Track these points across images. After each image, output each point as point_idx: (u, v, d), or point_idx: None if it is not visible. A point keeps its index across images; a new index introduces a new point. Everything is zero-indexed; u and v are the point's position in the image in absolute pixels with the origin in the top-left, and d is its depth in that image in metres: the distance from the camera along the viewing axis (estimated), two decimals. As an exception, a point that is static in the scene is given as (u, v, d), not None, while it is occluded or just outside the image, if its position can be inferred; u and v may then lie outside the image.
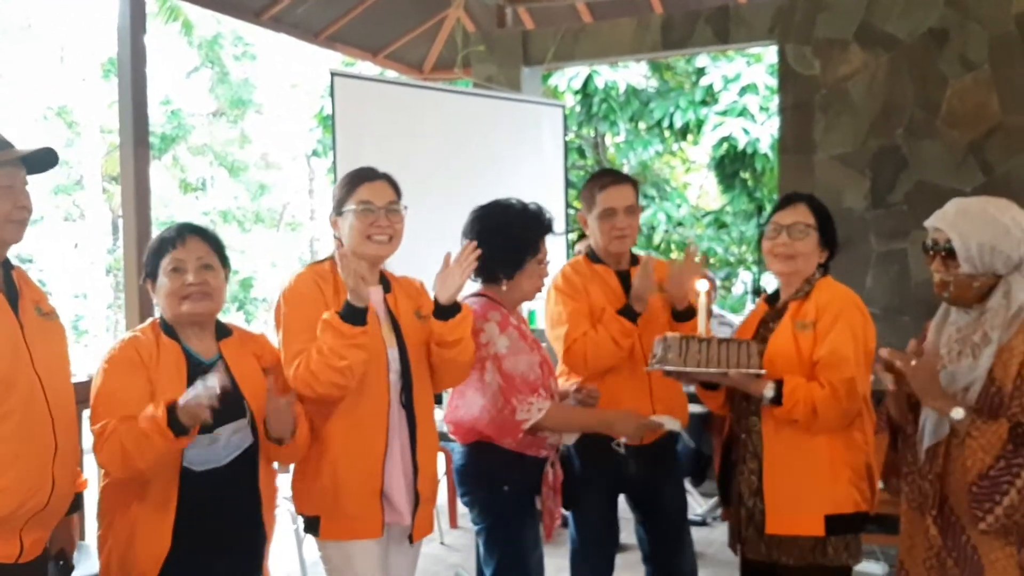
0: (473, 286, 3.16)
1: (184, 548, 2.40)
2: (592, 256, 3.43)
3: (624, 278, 3.35)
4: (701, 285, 3.02)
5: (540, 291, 3.22)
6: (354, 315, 2.57)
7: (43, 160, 2.26)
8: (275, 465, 2.72)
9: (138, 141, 4.75)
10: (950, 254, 2.39)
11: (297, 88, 16.44)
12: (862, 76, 6.64)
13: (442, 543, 5.41)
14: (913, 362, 2.35)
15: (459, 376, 2.94)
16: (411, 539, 2.80)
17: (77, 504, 2.48)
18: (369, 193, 2.75)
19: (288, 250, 17.98)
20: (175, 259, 2.49)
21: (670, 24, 7.39)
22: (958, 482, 2.35)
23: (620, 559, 3.53)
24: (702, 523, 5.47)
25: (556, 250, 6.26)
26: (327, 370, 2.55)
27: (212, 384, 2.22)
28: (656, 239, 11.15)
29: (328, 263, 2.82)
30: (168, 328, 2.53)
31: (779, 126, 6.99)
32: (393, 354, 2.76)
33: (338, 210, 2.80)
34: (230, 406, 2.41)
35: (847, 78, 6.68)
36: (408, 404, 2.76)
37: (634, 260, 3.42)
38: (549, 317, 3.36)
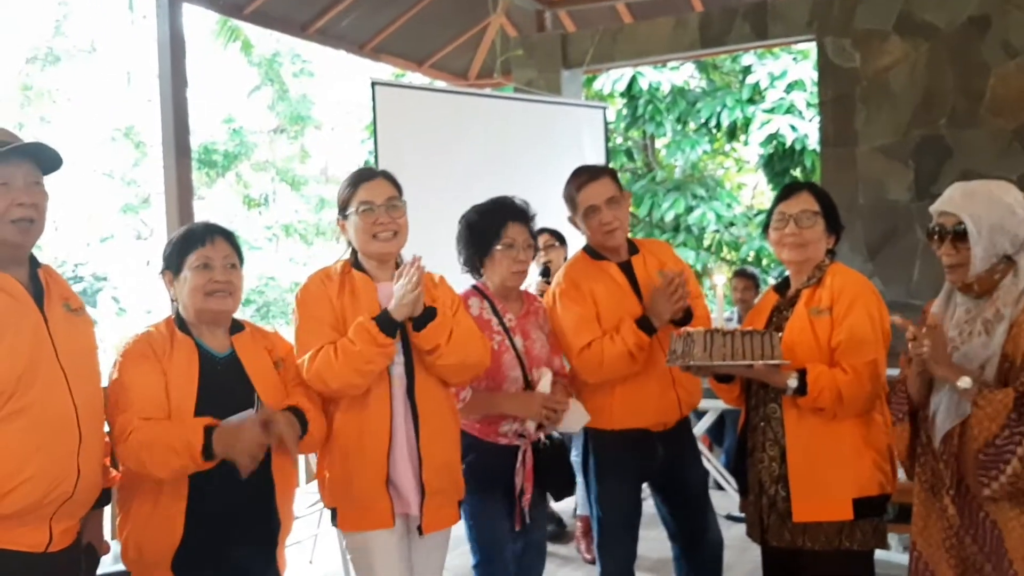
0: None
1: (196, 537, 2.47)
2: (591, 252, 3.41)
3: (627, 269, 3.35)
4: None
5: (520, 276, 3.26)
6: (391, 325, 2.66)
7: (48, 158, 2.30)
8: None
9: (180, 151, 4.86)
10: (958, 236, 2.43)
11: (350, 102, 16.67)
12: (902, 67, 6.56)
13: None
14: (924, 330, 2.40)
15: (460, 376, 2.90)
16: (420, 530, 2.82)
17: (106, 498, 2.55)
18: (368, 193, 2.84)
19: (350, 262, 18.12)
20: (204, 256, 2.58)
21: (708, 21, 7.38)
22: (972, 459, 2.36)
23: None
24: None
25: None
26: (351, 372, 2.64)
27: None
28: (706, 240, 11.09)
29: (340, 264, 2.92)
30: (182, 324, 2.63)
31: (820, 119, 6.94)
32: (396, 347, 2.76)
33: (343, 214, 2.90)
34: (241, 398, 2.50)
35: (887, 69, 6.61)
36: (411, 395, 2.80)
37: (633, 248, 3.41)
38: (556, 322, 3.35)
